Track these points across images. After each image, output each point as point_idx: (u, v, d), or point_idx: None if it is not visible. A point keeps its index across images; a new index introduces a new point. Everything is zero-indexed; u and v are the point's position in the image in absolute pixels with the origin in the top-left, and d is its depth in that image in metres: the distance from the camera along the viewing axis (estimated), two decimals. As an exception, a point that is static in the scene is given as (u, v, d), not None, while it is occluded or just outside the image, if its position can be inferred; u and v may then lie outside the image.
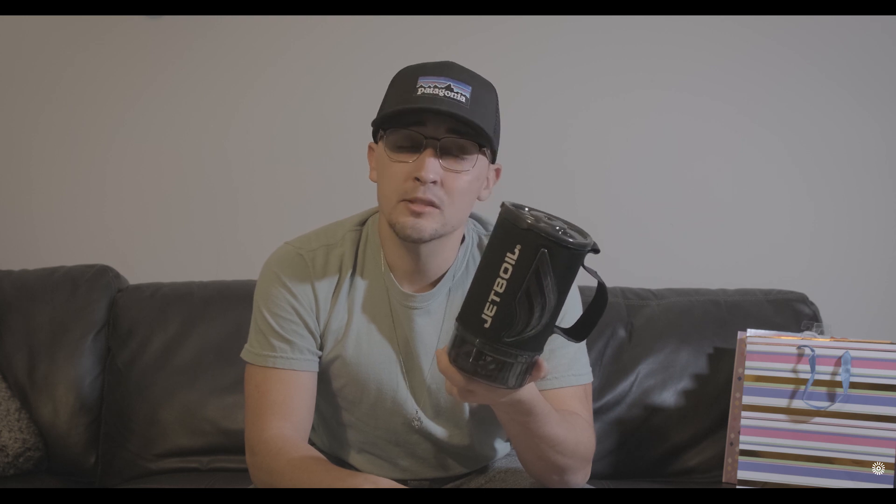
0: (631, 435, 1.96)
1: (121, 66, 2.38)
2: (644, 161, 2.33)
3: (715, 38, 2.30)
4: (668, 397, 1.98)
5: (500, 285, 1.01)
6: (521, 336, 1.02)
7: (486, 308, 1.02)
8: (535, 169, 2.30)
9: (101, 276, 2.12)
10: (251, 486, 1.38)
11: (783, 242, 2.32)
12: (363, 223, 1.47)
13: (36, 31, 2.38)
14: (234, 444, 1.97)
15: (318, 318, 1.41)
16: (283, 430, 1.35)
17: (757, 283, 2.18)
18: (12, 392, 1.99)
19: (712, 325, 2.03)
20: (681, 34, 2.30)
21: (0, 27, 2.39)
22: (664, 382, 1.99)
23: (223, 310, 2.06)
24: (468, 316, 1.04)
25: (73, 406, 2.00)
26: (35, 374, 2.02)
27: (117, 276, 2.16)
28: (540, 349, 1.05)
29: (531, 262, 0.99)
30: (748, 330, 1.88)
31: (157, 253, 2.38)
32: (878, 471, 1.72)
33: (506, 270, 1.00)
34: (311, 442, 1.52)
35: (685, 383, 1.99)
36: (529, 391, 1.15)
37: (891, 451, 1.72)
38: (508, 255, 1.00)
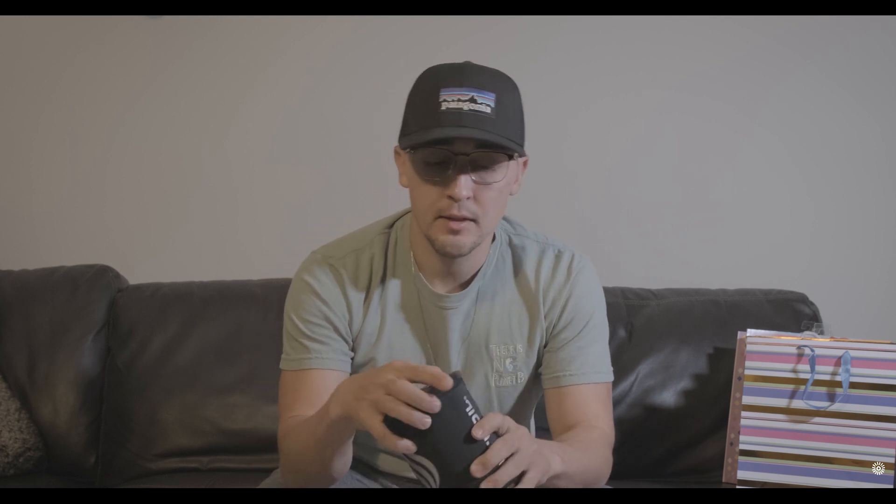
0: (631, 435, 1.96)
1: (121, 66, 2.38)
2: (644, 161, 2.33)
3: (715, 38, 2.30)
4: (668, 397, 1.98)
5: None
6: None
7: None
8: (535, 169, 2.28)
9: (101, 276, 2.12)
10: (251, 487, 1.37)
11: (783, 242, 2.32)
12: (391, 226, 1.47)
13: (36, 31, 2.38)
14: (234, 444, 1.98)
15: (350, 325, 1.40)
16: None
17: (757, 283, 2.18)
18: (12, 392, 1.99)
19: (712, 325, 2.03)
20: (681, 34, 2.30)
21: (0, 27, 2.39)
22: (664, 382, 1.99)
23: (223, 310, 2.06)
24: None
25: (73, 406, 2.00)
26: (35, 374, 2.01)
27: (117, 276, 2.16)
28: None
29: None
30: (748, 330, 1.88)
31: (157, 253, 2.38)
32: (878, 471, 1.72)
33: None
34: None
35: (685, 383, 1.99)
36: (558, 465, 1.15)
37: (891, 451, 1.72)
38: None
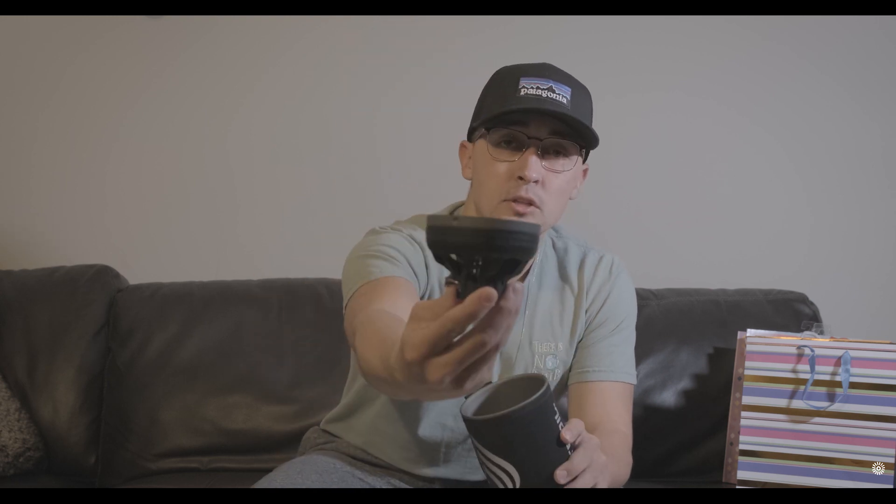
0: (631, 435, 1.96)
1: (121, 66, 2.38)
2: (644, 161, 2.33)
3: (715, 38, 2.30)
4: (668, 397, 1.98)
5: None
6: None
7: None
8: (535, 169, 2.30)
9: (101, 276, 2.12)
10: (251, 487, 1.37)
11: (783, 242, 2.32)
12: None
13: (36, 31, 2.38)
14: (234, 444, 1.98)
15: (426, 282, 1.37)
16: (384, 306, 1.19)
17: (757, 283, 2.18)
18: (12, 392, 1.99)
19: (712, 325, 2.03)
20: (681, 35, 2.30)
21: (0, 27, 2.39)
22: (664, 382, 1.99)
23: (223, 310, 2.06)
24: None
25: (73, 406, 2.00)
26: (35, 374, 2.02)
27: (117, 276, 2.16)
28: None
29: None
30: (748, 330, 1.88)
31: (157, 253, 2.38)
32: (878, 471, 1.72)
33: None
34: (335, 436, 1.56)
35: (685, 383, 1.99)
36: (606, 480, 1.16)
37: (891, 451, 1.72)
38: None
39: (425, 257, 1.39)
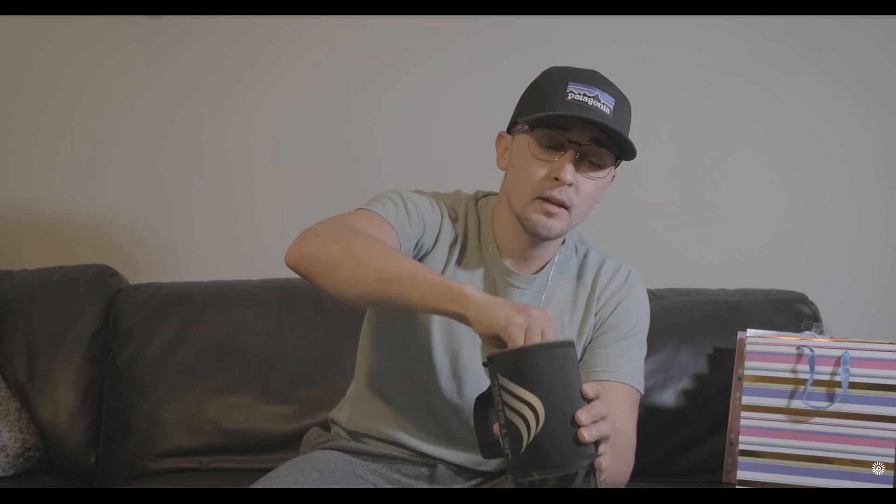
0: (631, 435, 1.96)
1: (121, 66, 2.38)
2: (643, 161, 2.31)
3: (715, 38, 2.30)
4: (668, 397, 1.98)
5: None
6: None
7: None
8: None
9: (101, 276, 2.12)
10: (251, 486, 1.37)
11: (783, 242, 2.32)
12: (476, 202, 1.55)
13: (36, 31, 2.38)
14: (234, 444, 1.98)
15: (431, 246, 1.46)
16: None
17: (757, 283, 2.18)
18: (12, 392, 1.99)
19: (712, 325, 2.03)
20: (681, 35, 2.30)
21: (0, 27, 2.39)
22: (664, 382, 1.99)
23: (223, 310, 2.06)
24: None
25: (73, 406, 2.00)
26: (35, 374, 2.02)
27: (117, 276, 2.16)
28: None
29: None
30: (748, 330, 1.88)
31: (157, 253, 2.38)
32: (878, 471, 1.72)
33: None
34: (334, 421, 1.58)
35: (685, 383, 1.99)
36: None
37: (891, 451, 1.72)
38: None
39: (440, 232, 1.48)
